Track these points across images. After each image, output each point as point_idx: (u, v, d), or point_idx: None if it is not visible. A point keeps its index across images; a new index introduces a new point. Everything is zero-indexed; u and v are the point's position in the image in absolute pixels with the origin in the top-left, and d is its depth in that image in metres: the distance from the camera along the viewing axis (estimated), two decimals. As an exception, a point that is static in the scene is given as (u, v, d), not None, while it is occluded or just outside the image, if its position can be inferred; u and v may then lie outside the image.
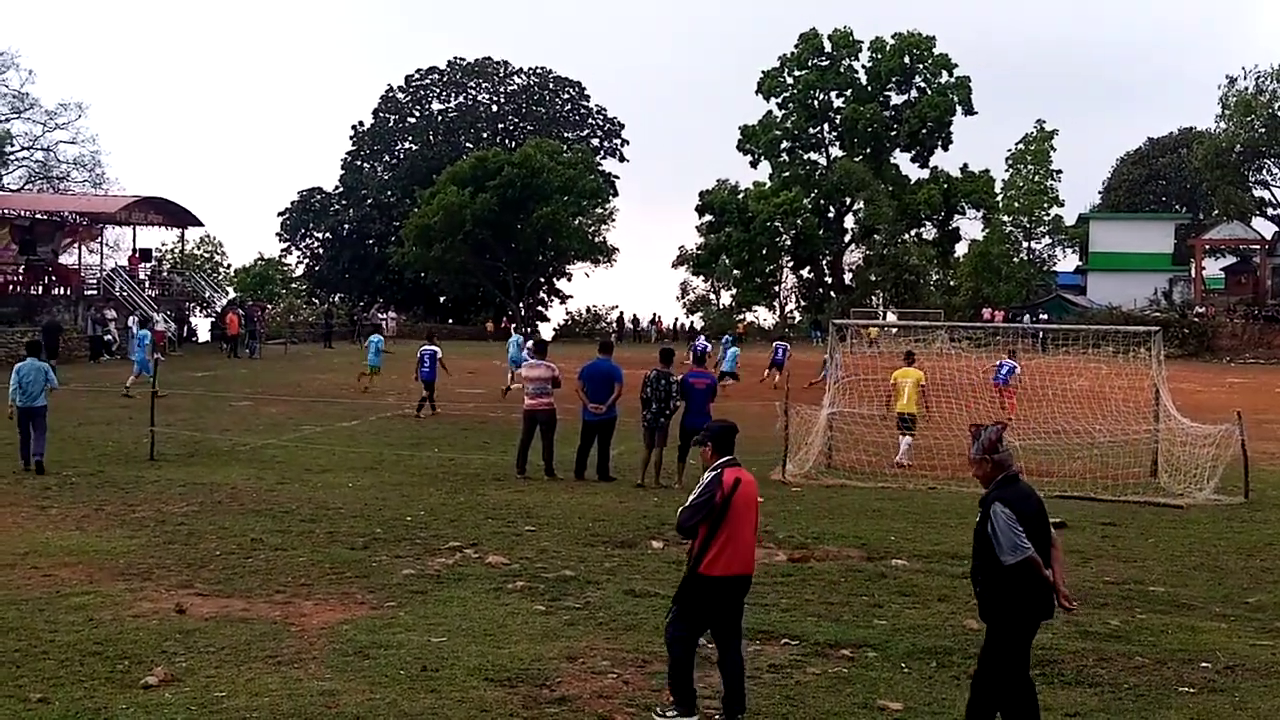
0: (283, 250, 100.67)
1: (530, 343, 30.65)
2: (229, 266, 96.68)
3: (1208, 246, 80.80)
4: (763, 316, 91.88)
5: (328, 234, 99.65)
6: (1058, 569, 7.31)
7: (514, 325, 71.13)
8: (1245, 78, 77.57)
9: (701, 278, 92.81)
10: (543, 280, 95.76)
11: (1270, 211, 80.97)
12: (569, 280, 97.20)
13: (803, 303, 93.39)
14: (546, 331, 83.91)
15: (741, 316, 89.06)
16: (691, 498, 7.97)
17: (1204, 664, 9.36)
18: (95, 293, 52.15)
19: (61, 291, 51.30)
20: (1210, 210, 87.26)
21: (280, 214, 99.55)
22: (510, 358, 36.78)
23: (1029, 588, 7.08)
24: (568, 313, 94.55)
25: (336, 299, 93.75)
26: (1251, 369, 58.48)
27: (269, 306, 75.05)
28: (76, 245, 55.87)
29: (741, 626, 8.15)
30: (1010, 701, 7.19)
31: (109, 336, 46.26)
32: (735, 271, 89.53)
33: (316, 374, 41.66)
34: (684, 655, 7.85)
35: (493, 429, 25.70)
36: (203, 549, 12.75)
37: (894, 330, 49.12)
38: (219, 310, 60.18)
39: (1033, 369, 31.72)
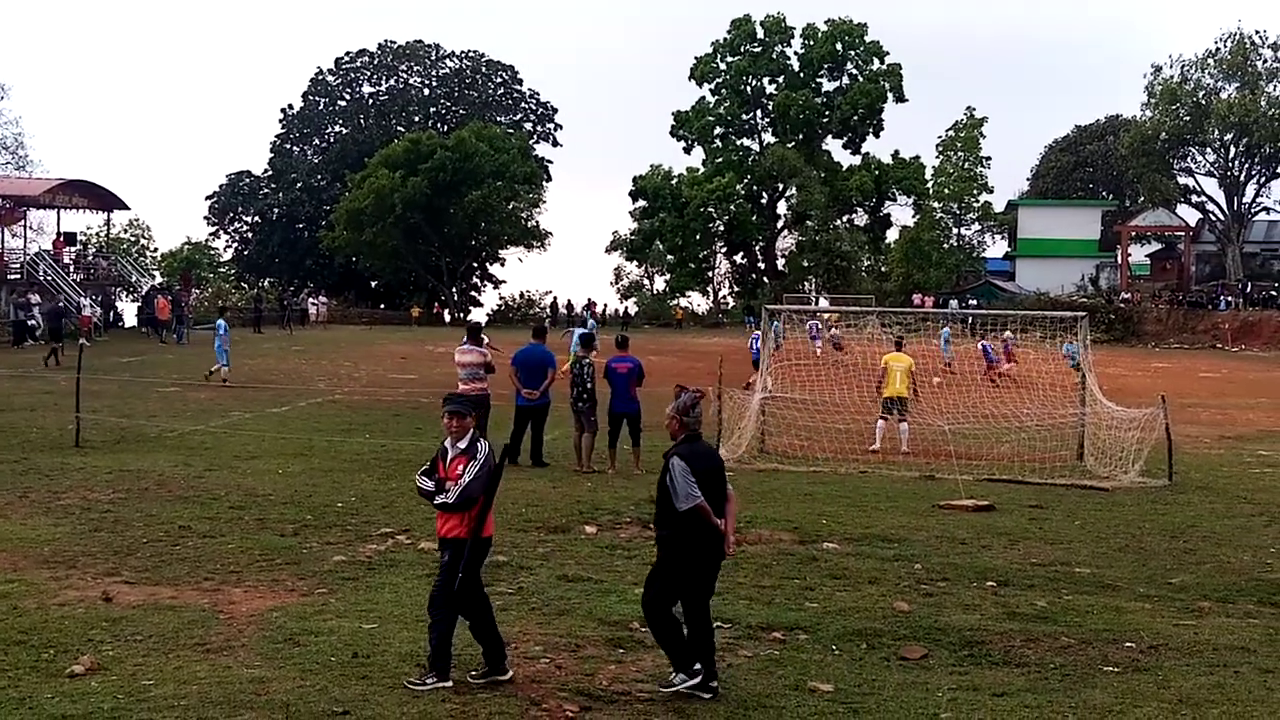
0: (211, 234, 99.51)
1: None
2: (155, 250, 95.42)
3: (1133, 233, 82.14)
4: (696, 301, 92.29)
5: (257, 218, 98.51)
6: (729, 520, 8.22)
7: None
8: (1170, 66, 79.03)
9: (635, 263, 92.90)
10: (475, 265, 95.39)
11: (1194, 199, 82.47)
12: (502, 265, 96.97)
13: (736, 288, 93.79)
14: (480, 316, 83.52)
15: (675, 301, 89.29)
16: (473, 471, 8.24)
17: (1128, 644, 9.52)
18: (18, 277, 51.22)
19: (-17, 276, 50.39)
20: (1136, 197, 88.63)
21: (208, 197, 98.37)
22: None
23: (699, 532, 7.96)
24: (501, 298, 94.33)
25: (266, 283, 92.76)
26: (1175, 354, 59.60)
27: (197, 291, 74.11)
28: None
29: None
30: (658, 615, 8.02)
31: (32, 322, 45.42)
32: (669, 257, 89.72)
33: (246, 359, 41.16)
34: (453, 622, 8.16)
35: (425, 415, 25.55)
36: (130, 536, 12.57)
37: (825, 315, 49.33)
38: (145, 295, 59.32)
39: (962, 354, 32.12)
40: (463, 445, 8.37)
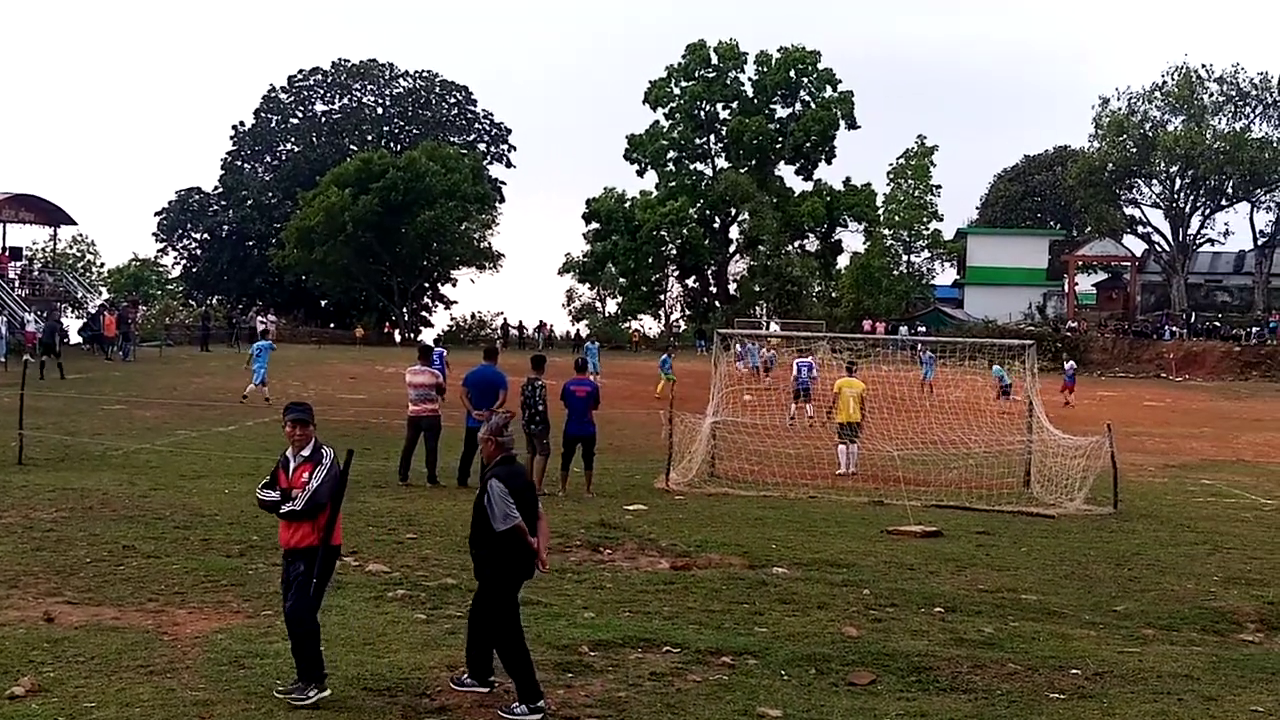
0: (159, 251, 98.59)
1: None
2: (102, 266, 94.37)
3: (1080, 263, 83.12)
4: (648, 325, 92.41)
5: (206, 235, 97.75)
6: (542, 538, 8.47)
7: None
8: (1118, 99, 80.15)
9: (588, 285, 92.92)
10: (427, 285, 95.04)
11: (1140, 229, 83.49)
12: (454, 285, 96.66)
13: (688, 312, 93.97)
14: (429, 337, 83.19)
15: (627, 324, 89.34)
16: (320, 476, 8.14)
17: (1074, 670, 9.59)
18: (-38, 292, 50.50)
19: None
20: (1083, 227, 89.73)
21: (157, 214, 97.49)
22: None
23: (515, 551, 8.22)
24: (452, 318, 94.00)
25: (214, 301, 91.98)
26: (1121, 382, 60.25)
27: (143, 307, 73.30)
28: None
29: None
30: (506, 646, 8.17)
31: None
32: (621, 279, 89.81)
33: (193, 377, 40.81)
34: (318, 632, 8.18)
35: (374, 435, 25.40)
36: (72, 556, 12.40)
37: (773, 341, 49.64)
38: (91, 311, 58.60)
39: (909, 380, 32.29)
40: (306, 453, 8.27)
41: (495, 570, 8.28)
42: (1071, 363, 49.67)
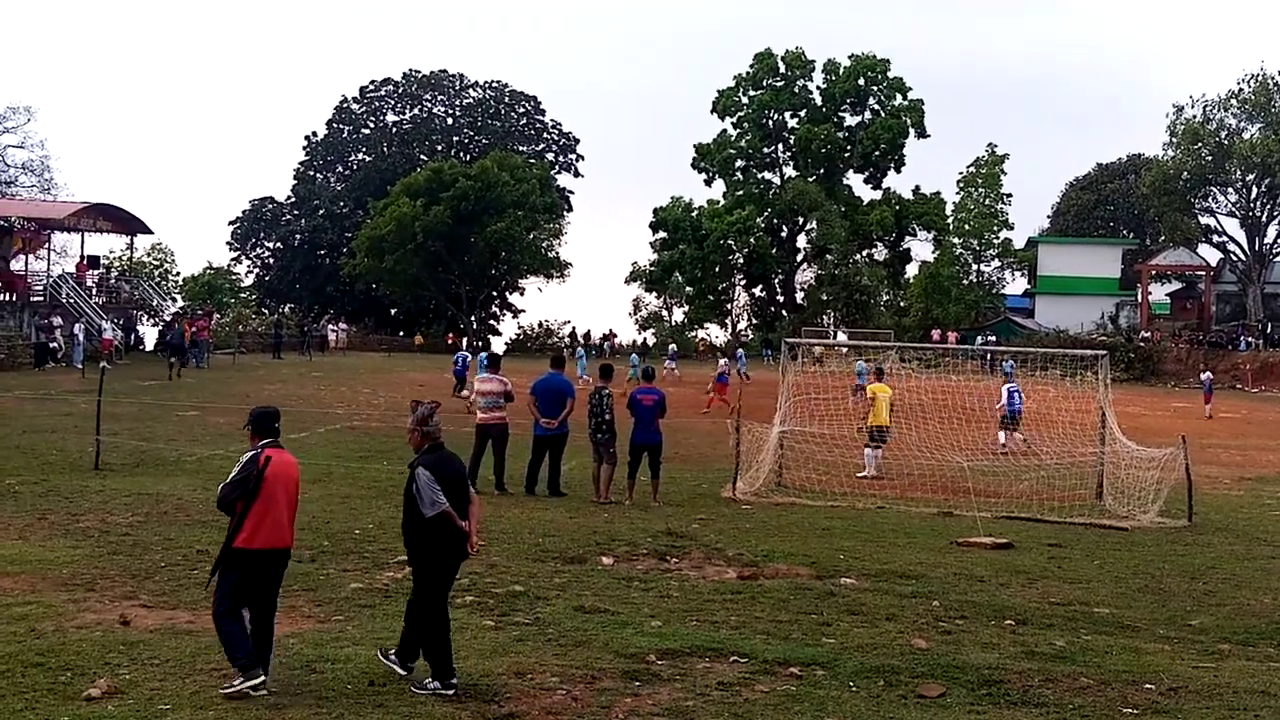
0: (233, 259, 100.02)
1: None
2: (178, 275, 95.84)
3: (1154, 272, 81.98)
4: (714, 333, 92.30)
5: (279, 244, 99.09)
6: (473, 522, 8.86)
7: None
8: (1192, 106, 78.90)
9: (654, 294, 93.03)
10: (495, 294, 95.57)
11: (1215, 239, 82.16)
12: (521, 294, 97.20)
13: (754, 321, 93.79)
14: (499, 345, 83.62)
15: (694, 333, 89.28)
16: (230, 475, 8.56)
17: (1148, 685, 9.44)
18: (41, 299, 51.46)
19: (7, 298, 50.60)
20: (1157, 236, 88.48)
21: (231, 223, 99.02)
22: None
23: (445, 536, 8.59)
24: (520, 327, 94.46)
25: (286, 309, 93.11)
26: (1195, 394, 59.09)
27: (216, 315, 74.32)
28: (24, 252, 55.06)
29: (276, 601, 8.72)
30: (428, 626, 8.56)
31: (55, 344, 45.69)
32: (688, 288, 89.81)
33: (265, 384, 41.30)
34: (234, 627, 8.34)
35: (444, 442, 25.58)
36: (148, 560, 12.60)
37: (843, 350, 49.46)
38: (167, 319, 59.53)
39: (980, 390, 31.99)
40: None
41: (426, 554, 8.65)
42: (1208, 373, 49.49)
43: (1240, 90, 77.52)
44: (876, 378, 24.87)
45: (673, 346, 64.42)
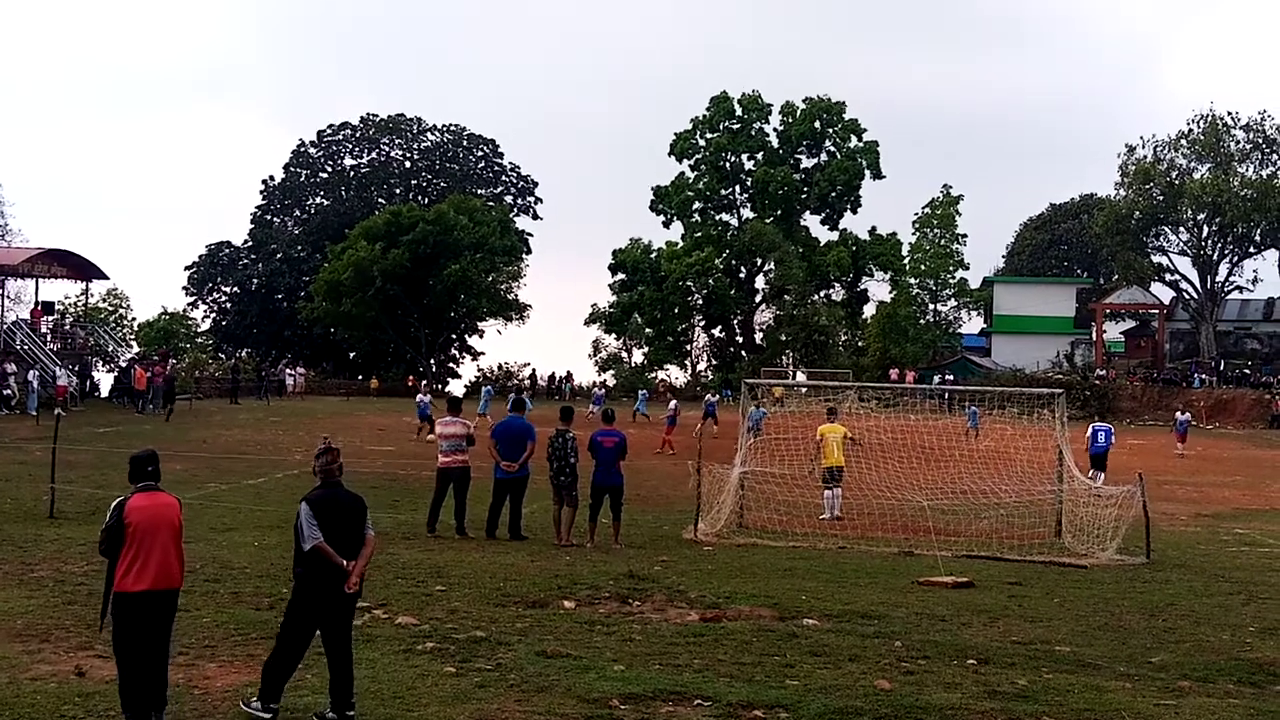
0: (189, 304, 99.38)
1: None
2: (133, 320, 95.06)
3: (1108, 310, 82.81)
4: (674, 375, 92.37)
5: (236, 288, 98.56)
6: (361, 561, 9.02)
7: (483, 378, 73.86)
8: (1143, 146, 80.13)
9: (614, 335, 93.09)
10: (454, 336, 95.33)
11: (1168, 277, 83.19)
12: (481, 337, 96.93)
13: (714, 361, 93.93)
14: (458, 388, 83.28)
15: (653, 375, 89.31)
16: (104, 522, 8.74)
17: (1109, 723, 9.47)
18: (-6, 346, 50.88)
19: (-42, 344, 50.01)
20: (1110, 275, 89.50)
21: (188, 268, 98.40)
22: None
23: (321, 569, 8.82)
24: (479, 369, 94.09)
25: (244, 354, 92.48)
26: (1151, 430, 59.78)
27: (173, 360, 73.67)
28: (-24, 298, 54.47)
29: (169, 645, 8.85)
30: (278, 649, 8.91)
31: (8, 391, 45.15)
32: (647, 330, 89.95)
33: (223, 430, 40.99)
34: (127, 669, 8.51)
35: (402, 487, 25.44)
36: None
37: (803, 390, 49.62)
38: (123, 365, 58.97)
39: (938, 429, 32.16)
40: None
41: (299, 584, 8.96)
42: (1186, 415, 50.67)
43: (1190, 131, 78.82)
44: (828, 417, 24.73)
45: (643, 391, 64.37)
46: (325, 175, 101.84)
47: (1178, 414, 50.31)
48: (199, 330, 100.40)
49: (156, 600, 8.58)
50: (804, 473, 23.96)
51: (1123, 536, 19.36)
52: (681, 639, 11.93)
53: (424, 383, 71.76)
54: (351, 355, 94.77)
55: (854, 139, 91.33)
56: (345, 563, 8.85)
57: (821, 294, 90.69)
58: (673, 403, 48.08)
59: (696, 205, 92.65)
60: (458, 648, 11.23)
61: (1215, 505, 28.67)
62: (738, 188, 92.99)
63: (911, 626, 13.03)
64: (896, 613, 13.78)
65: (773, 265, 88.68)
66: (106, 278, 64.30)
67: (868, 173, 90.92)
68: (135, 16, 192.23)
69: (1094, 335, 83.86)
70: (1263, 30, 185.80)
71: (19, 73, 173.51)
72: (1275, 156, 78.52)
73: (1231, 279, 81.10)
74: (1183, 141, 78.91)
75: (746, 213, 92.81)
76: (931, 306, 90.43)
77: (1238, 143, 78.35)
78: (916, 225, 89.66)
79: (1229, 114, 78.60)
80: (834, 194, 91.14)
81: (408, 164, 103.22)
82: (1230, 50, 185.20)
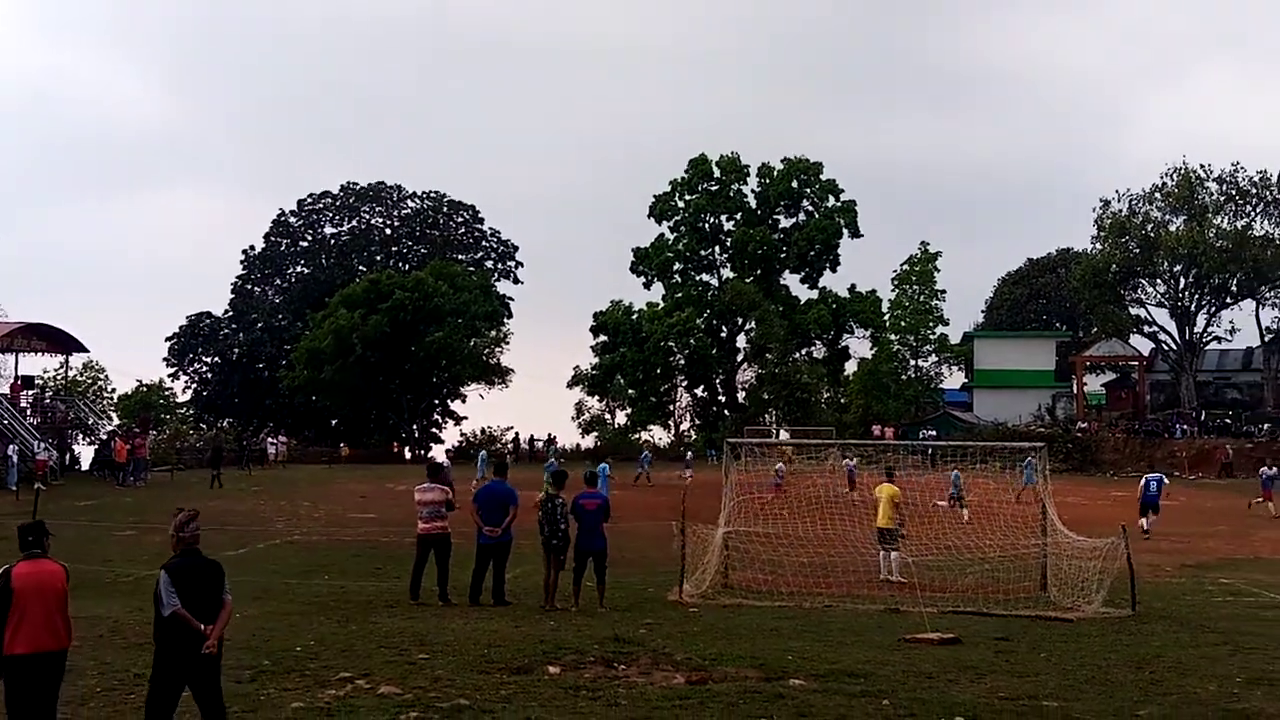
0: (170, 375, 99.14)
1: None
2: (113, 393, 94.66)
3: (1088, 363, 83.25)
4: (658, 435, 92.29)
5: (217, 358, 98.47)
6: (219, 625, 9.35)
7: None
8: (1118, 200, 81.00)
9: (597, 397, 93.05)
10: (436, 402, 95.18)
11: (1147, 329, 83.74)
12: (463, 401, 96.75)
13: (697, 421, 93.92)
14: (440, 454, 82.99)
15: (637, 435, 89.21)
16: None
17: (1098, 778, 9.42)
18: (-27, 421, 50.58)
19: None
20: (1089, 328, 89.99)
21: (168, 339, 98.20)
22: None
23: (178, 634, 9.12)
24: (462, 434, 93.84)
25: (226, 424, 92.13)
26: (1133, 482, 59.66)
27: (153, 432, 73.32)
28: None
29: (55, 708, 9.28)
30: (147, 714, 9.16)
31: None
32: (630, 391, 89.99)
33: (204, 500, 40.73)
34: None
35: (385, 554, 25.31)
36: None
37: (786, 449, 49.60)
38: (103, 437, 58.68)
39: (922, 485, 32.14)
40: None
41: (160, 650, 9.24)
42: (1273, 469, 44.42)
43: (1164, 184, 79.62)
44: (886, 478, 24.40)
45: (646, 453, 63.99)
46: (306, 244, 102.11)
47: (1263, 470, 44.81)
48: (178, 401, 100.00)
49: (42, 662, 9.04)
50: (787, 531, 23.95)
51: (1108, 589, 19.33)
52: (667, 702, 11.84)
53: (446, 450, 71.58)
54: (334, 423, 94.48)
55: (831, 198, 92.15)
56: (203, 627, 9.15)
57: (803, 352, 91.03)
58: (644, 454, 48.37)
59: (677, 266, 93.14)
60: (441, 717, 11.13)
61: (1199, 555, 28.68)
62: (717, 248, 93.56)
63: (898, 684, 12.96)
64: (883, 671, 13.71)
65: (753, 324, 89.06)
66: (86, 350, 64.28)
67: (845, 231, 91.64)
68: (110, 92, 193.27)
69: (1075, 388, 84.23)
70: (1233, 88, 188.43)
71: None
72: (1249, 208, 79.35)
73: (1209, 329, 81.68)
74: (1157, 195, 79.73)
75: (726, 272, 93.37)
76: (912, 362, 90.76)
77: (1211, 195, 79.12)
78: (895, 282, 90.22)
79: (1202, 166, 79.56)
80: (813, 253, 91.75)
81: (388, 231, 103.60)
82: (1202, 105, 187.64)
